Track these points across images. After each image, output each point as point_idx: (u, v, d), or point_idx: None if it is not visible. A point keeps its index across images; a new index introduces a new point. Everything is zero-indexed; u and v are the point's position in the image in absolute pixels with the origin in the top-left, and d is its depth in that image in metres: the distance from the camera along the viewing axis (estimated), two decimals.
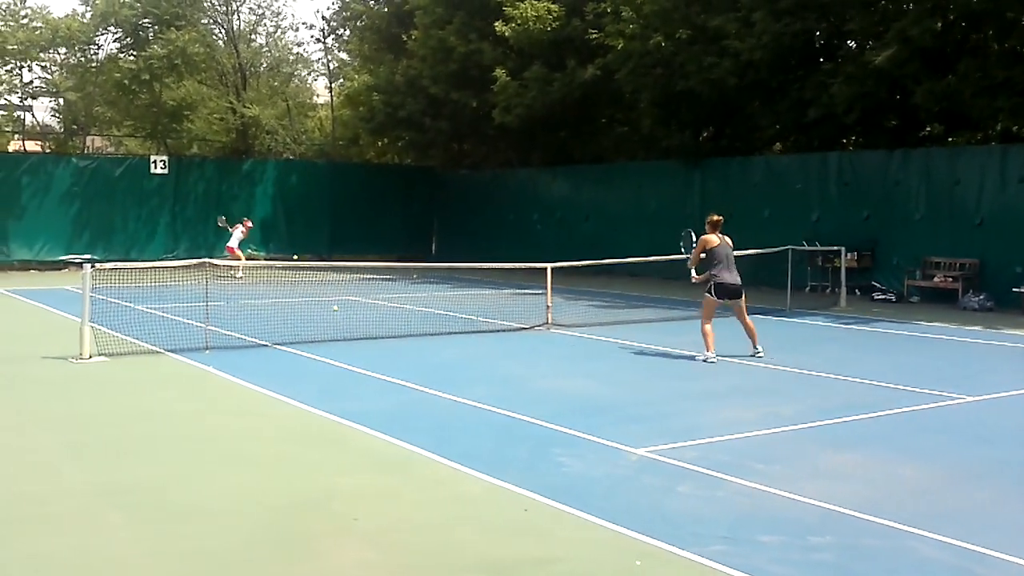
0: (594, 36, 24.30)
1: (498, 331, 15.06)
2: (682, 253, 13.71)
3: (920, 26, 18.70)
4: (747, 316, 12.43)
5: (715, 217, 12.50)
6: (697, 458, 7.24)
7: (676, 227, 24.62)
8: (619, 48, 23.53)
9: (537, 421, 8.50)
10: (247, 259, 25.70)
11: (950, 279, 19.41)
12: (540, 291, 16.44)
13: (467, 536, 5.68)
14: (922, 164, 20.60)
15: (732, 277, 12.23)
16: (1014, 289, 18.14)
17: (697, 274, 12.51)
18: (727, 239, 12.46)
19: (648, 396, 10.03)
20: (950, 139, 22.15)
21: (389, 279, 24.71)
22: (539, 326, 15.20)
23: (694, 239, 12.86)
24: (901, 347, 14.06)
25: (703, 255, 12.37)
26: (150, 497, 6.38)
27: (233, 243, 25.84)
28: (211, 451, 7.65)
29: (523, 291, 20.57)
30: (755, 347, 12.29)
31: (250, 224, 26.79)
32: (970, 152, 20.41)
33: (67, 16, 32.89)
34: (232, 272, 23.68)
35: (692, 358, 12.14)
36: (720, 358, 11.92)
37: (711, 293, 12.19)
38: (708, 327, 12.11)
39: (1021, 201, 18.75)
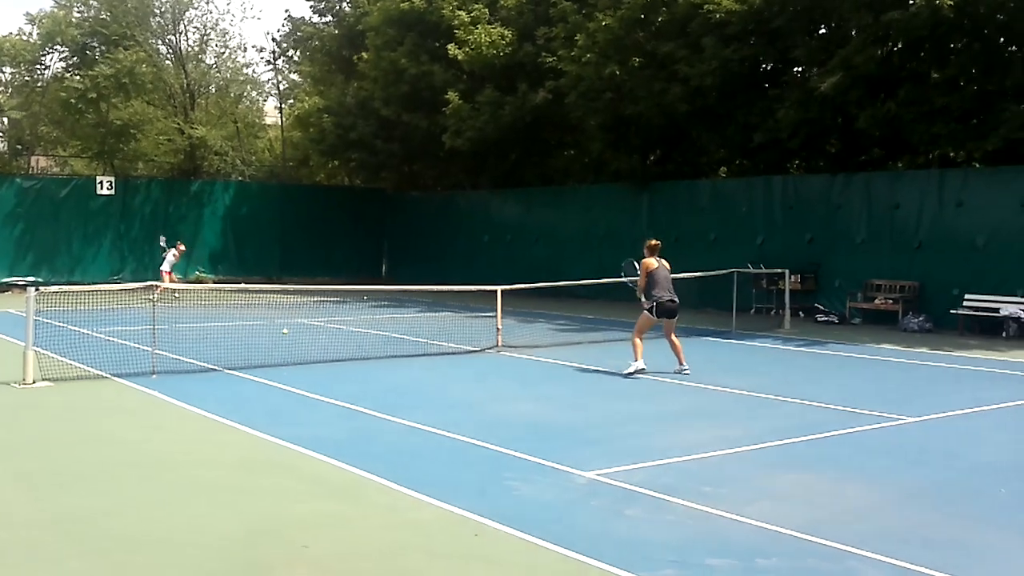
0: (548, 60, 24.51)
1: (449, 354, 15.09)
2: (623, 278, 14.57)
3: (864, 54, 19.17)
4: (675, 335, 13.01)
5: (653, 242, 13.28)
6: (646, 481, 7.34)
7: (624, 250, 24.86)
8: (572, 73, 23.78)
9: (488, 445, 8.55)
10: (195, 282, 25.45)
11: (890, 301, 19.83)
12: (491, 313, 16.50)
13: (417, 562, 5.71)
14: (863, 188, 21.07)
15: (671, 297, 12.86)
16: (951, 311, 18.62)
17: (645, 298, 12.91)
18: (664, 262, 13.08)
19: (598, 419, 10.12)
20: (890, 163, 22.66)
21: (340, 302, 24.62)
22: (490, 349, 15.27)
23: (637, 268, 13.45)
24: (844, 368, 14.33)
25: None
26: (100, 526, 6.31)
27: (166, 267, 25.43)
28: (160, 479, 7.58)
29: (474, 313, 20.63)
30: (681, 363, 12.80)
31: (183, 248, 26.33)
32: (910, 176, 20.92)
33: (12, 35, 32.46)
34: (175, 295, 23.44)
35: (644, 379, 12.27)
36: (666, 379, 12.07)
37: (651, 312, 12.79)
38: (639, 340, 12.78)
39: (958, 225, 19.24)
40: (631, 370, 12.50)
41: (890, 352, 15.85)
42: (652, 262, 12.94)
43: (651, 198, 25.60)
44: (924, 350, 16.05)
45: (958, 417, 10.32)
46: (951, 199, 19.48)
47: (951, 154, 21.68)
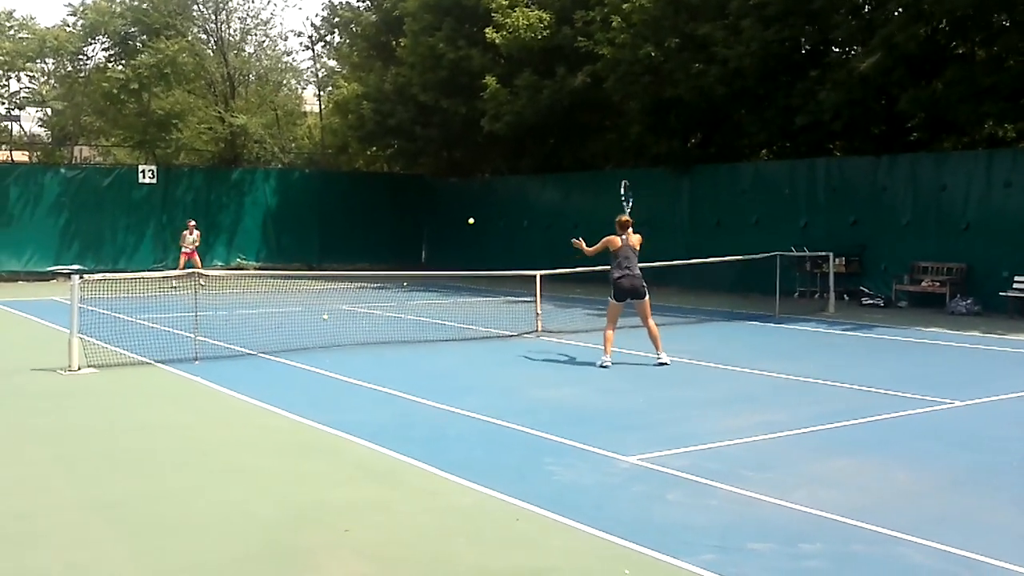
0: (583, 44, 24.37)
1: (488, 339, 15.08)
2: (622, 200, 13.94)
3: (905, 33, 18.81)
4: (652, 320, 12.40)
5: (624, 218, 12.61)
6: (688, 466, 7.27)
7: (665, 234, 24.86)
8: (608, 56, 23.61)
9: (528, 430, 8.52)
10: (236, 268, 25.67)
11: (938, 283, 19.50)
12: (530, 298, 16.46)
13: (459, 547, 5.69)
14: (908, 169, 20.71)
15: (630, 279, 12.17)
16: (1000, 293, 18.25)
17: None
18: (633, 241, 12.41)
19: (638, 404, 10.05)
20: (936, 144, 22.25)
21: (379, 287, 24.70)
22: (529, 333, 15.23)
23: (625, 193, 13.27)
24: (890, 352, 14.11)
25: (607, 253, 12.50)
26: (141, 511, 6.37)
27: (187, 248, 25.57)
28: (204, 463, 7.64)
29: (513, 298, 20.60)
30: (658, 354, 12.22)
31: (192, 223, 26.19)
32: (956, 157, 20.52)
33: (55, 26, 32.84)
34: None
35: (685, 364, 12.17)
36: (707, 364, 11.94)
37: (612, 297, 12.32)
38: (610, 332, 12.20)
39: (1007, 205, 18.86)
40: (599, 363, 12.05)
41: (937, 335, 15.58)
42: (617, 240, 12.28)
43: (692, 181, 25.36)
44: (973, 333, 15.76)
45: (1008, 401, 10.11)
46: (999, 179, 19.07)
47: (999, 133, 21.24)
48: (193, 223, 26.25)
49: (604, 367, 11.96)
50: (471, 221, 16.54)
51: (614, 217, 12.83)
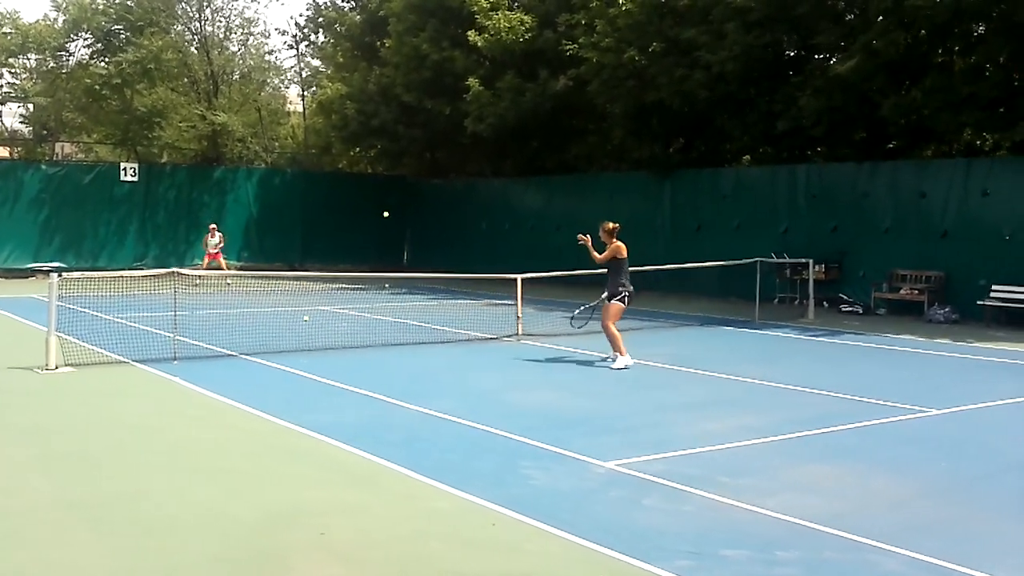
0: (568, 48, 24.41)
1: (469, 341, 15.08)
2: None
3: (885, 39, 18.94)
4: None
5: (613, 225, 12.64)
6: (665, 471, 7.29)
7: (646, 238, 24.91)
8: (592, 60, 23.66)
9: (506, 434, 8.53)
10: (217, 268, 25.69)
11: (916, 291, 19.63)
12: (511, 301, 16.48)
13: (434, 551, 5.69)
14: (889, 176, 20.84)
15: (631, 285, 12.55)
16: (978, 302, 18.40)
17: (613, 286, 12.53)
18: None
19: (617, 408, 10.08)
20: (916, 152, 22.41)
21: (361, 289, 24.66)
22: (509, 337, 15.24)
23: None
24: (868, 359, 14.20)
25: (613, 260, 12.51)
26: (118, 511, 6.34)
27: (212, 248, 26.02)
28: (179, 464, 7.61)
29: (494, 301, 20.61)
30: (612, 355, 12.39)
31: (212, 227, 26.78)
32: (936, 165, 20.68)
33: (38, 22, 32.66)
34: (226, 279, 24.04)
35: (663, 369, 12.20)
36: (686, 369, 11.98)
37: (623, 302, 12.41)
38: (617, 332, 12.36)
39: (985, 214, 19.01)
40: (620, 365, 12.13)
41: (915, 343, 15.69)
42: (623, 246, 12.47)
43: (673, 186, 25.45)
44: (949, 341, 15.88)
45: (984, 409, 10.19)
46: (977, 188, 19.23)
47: (977, 142, 21.40)
48: (214, 226, 26.55)
49: (627, 368, 12.07)
50: (386, 214, 16.65)
51: (596, 220, 12.85)
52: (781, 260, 20.90)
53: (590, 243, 12.76)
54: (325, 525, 6.05)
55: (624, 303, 12.45)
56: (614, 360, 12.27)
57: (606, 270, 12.65)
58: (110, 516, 6.25)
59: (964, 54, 19.91)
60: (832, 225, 21.63)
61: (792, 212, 22.61)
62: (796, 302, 21.05)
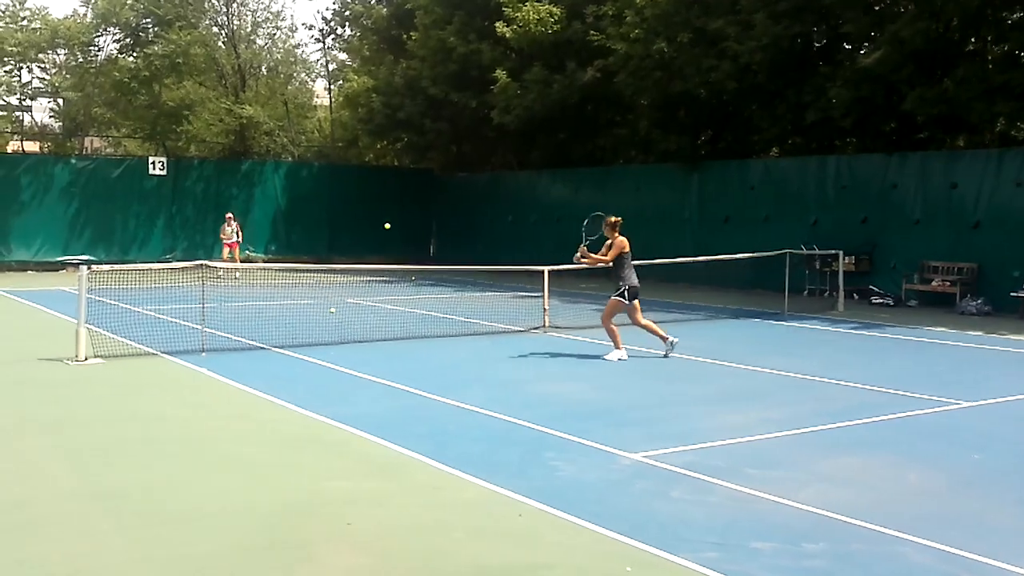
0: (595, 38, 24.31)
1: (495, 333, 15.06)
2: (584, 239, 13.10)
3: (912, 28, 18.69)
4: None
5: (616, 219, 12.59)
6: (691, 463, 7.23)
7: (674, 230, 24.78)
8: (620, 51, 23.54)
9: (531, 425, 8.49)
10: (245, 261, 25.82)
11: (948, 283, 19.39)
12: (538, 293, 16.43)
13: (460, 541, 5.67)
14: (919, 167, 20.59)
15: (636, 279, 12.51)
16: (1011, 293, 18.14)
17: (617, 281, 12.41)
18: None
19: (643, 400, 10.02)
20: (948, 142, 22.12)
21: (387, 281, 24.70)
22: (536, 329, 15.20)
23: (599, 227, 12.77)
24: (899, 352, 14.04)
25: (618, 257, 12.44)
26: (142, 502, 6.36)
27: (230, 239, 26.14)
28: (205, 455, 7.64)
29: (521, 293, 20.57)
30: (665, 339, 12.38)
31: (229, 216, 26.92)
32: (968, 156, 20.39)
33: (67, 17, 32.95)
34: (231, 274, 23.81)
35: (691, 360, 12.13)
36: (713, 361, 11.89)
37: (623, 297, 12.32)
38: (614, 326, 12.33)
39: (1018, 204, 18.74)
40: (612, 358, 12.12)
41: (947, 335, 15.50)
42: (626, 242, 12.40)
43: (701, 177, 25.29)
44: (982, 333, 15.67)
45: (1017, 403, 10.03)
46: (1010, 178, 18.96)
47: (1011, 132, 21.10)
48: (231, 215, 26.69)
49: (623, 360, 12.06)
50: (387, 226, 16.69)
51: (623, 212, 12.84)
52: (811, 252, 20.70)
53: (586, 251, 12.69)
54: (350, 515, 6.04)
55: (624, 298, 12.33)
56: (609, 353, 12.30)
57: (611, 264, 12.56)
58: (134, 507, 6.26)
59: (997, 42, 19.60)
60: (862, 216, 21.41)
61: (821, 203, 22.39)
62: (826, 294, 20.86)
